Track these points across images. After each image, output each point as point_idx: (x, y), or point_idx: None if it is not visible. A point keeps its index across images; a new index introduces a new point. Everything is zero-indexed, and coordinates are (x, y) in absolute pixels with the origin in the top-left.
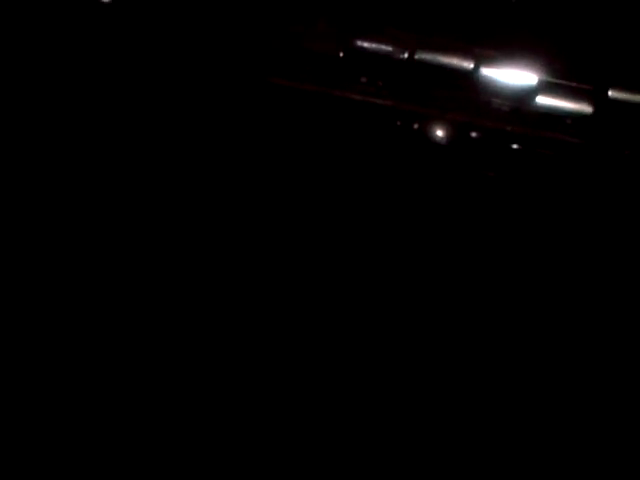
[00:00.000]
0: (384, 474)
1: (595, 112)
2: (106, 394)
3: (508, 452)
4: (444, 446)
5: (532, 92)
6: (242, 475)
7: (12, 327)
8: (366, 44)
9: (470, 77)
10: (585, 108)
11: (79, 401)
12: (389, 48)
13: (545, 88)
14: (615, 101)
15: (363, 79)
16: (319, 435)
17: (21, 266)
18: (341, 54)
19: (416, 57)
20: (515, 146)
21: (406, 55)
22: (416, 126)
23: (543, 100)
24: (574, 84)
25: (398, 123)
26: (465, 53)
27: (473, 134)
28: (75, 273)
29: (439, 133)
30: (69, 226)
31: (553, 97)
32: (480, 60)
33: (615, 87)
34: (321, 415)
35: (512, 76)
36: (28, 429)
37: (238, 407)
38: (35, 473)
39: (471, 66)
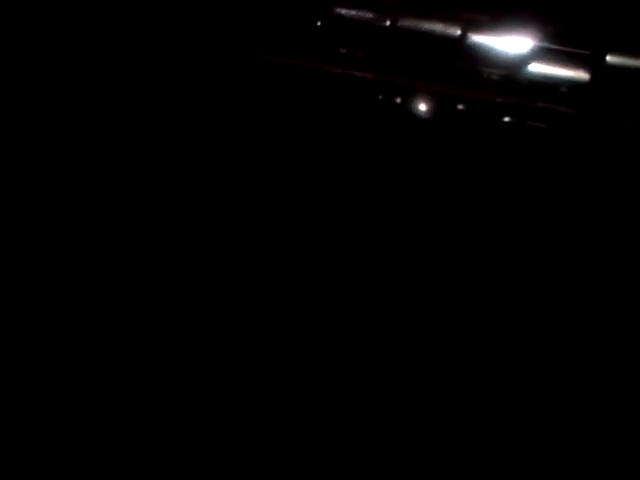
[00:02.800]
0: (384, 474)
1: (592, 79)
2: (106, 394)
3: (508, 452)
4: (444, 446)
5: (524, 59)
6: (242, 475)
7: (12, 327)
8: (345, 11)
9: (457, 44)
10: (581, 75)
11: (79, 401)
12: (370, 15)
13: (538, 54)
14: (613, 67)
15: (342, 50)
16: (319, 435)
17: (21, 266)
18: (319, 23)
19: (399, 24)
20: (506, 119)
21: (388, 22)
22: (399, 100)
23: (536, 68)
24: (570, 49)
25: (380, 97)
26: (451, 19)
27: (460, 106)
28: (75, 273)
29: (424, 106)
30: (69, 226)
31: (547, 64)
32: (468, 26)
33: (613, 52)
34: (321, 415)
35: (502, 42)
36: (28, 429)
37: (238, 407)
38: (35, 473)
39: (458, 32)
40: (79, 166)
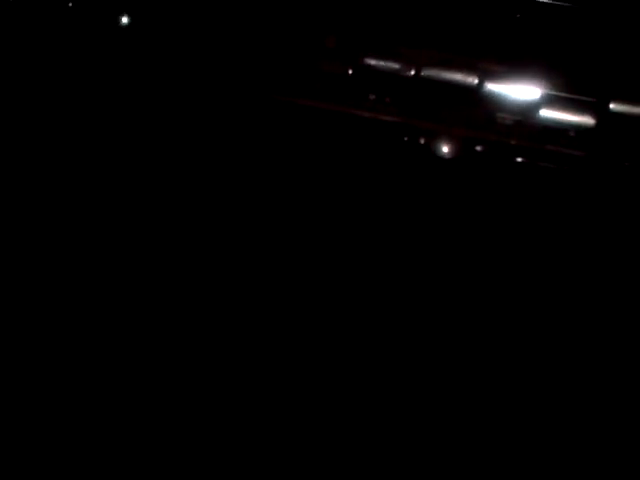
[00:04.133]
0: (384, 474)
1: (597, 124)
2: (106, 394)
3: (508, 452)
4: (444, 446)
5: (536, 105)
6: (242, 475)
7: (12, 327)
8: (374, 62)
9: (475, 92)
10: (588, 121)
11: (79, 401)
12: (396, 65)
13: (548, 101)
14: (616, 114)
15: (372, 96)
16: (319, 435)
17: (21, 266)
18: (350, 72)
19: (422, 74)
20: (519, 159)
21: (413, 72)
22: (422, 141)
23: (546, 113)
24: (577, 97)
25: (405, 139)
26: (470, 68)
27: (478, 148)
28: (75, 273)
29: (445, 148)
30: (68, 231)
31: (556, 110)
32: (484, 75)
33: (616, 100)
34: (321, 415)
35: (516, 90)
36: (28, 429)
37: (238, 407)
38: (35, 473)
39: (475, 81)
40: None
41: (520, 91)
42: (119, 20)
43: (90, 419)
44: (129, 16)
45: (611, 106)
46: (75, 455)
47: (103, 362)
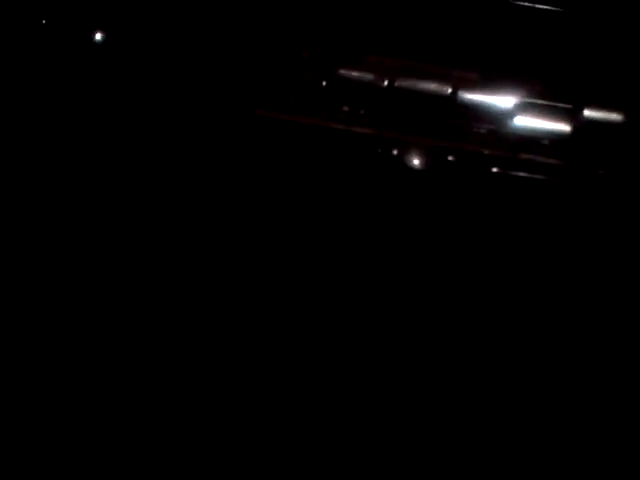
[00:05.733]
0: (384, 474)
1: (573, 132)
2: (106, 394)
3: (508, 452)
4: (444, 446)
5: (510, 113)
6: (242, 475)
7: (12, 327)
8: (348, 72)
9: (449, 101)
10: (563, 127)
11: (79, 401)
12: (370, 76)
13: (523, 109)
14: (591, 121)
15: (345, 108)
16: (319, 435)
17: (21, 266)
18: (324, 83)
19: (396, 84)
20: (494, 169)
21: (386, 82)
22: (395, 152)
23: (521, 121)
24: (552, 103)
25: (379, 150)
26: (443, 78)
27: (451, 158)
28: (75, 273)
29: (418, 159)
30: (68, 233)
31: (531, 117)
32: (458, 84)
33: (590, 105)
34: (321, 415)
35: (490, 98)
36: (28, 429)
37: (238, 407)
38: (35, 473)
39: (449, 91)
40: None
41: (494, 99)
42: (93, 36)
43: (90, 419)
44: (103, 32)
45: (586, 113)
46: (75, 455)
47: (103, 362)
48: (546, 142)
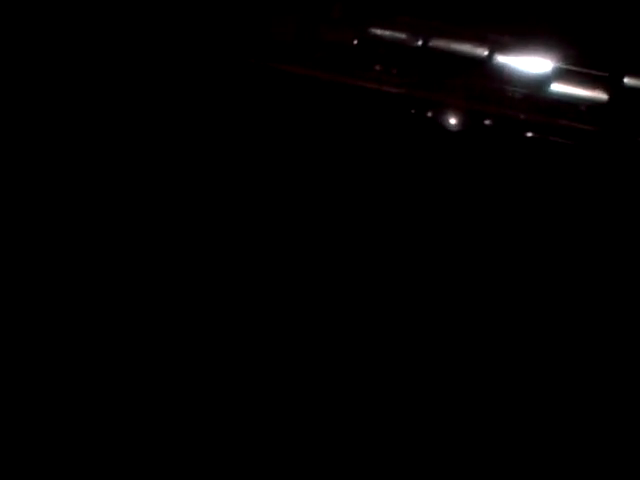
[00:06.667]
0: (384, 474)
1: (610, 99)
2: (106, 394)
3: (508, 452)
4: (444, 446)
5: (546, 79)
6: (242, 475)
7: (12, 327)
8: (380, 32)
9: (484, 64)
10: (600, 95)
11: (79, 401)
12: (403, 36)
13: (560, 75)
14: (630, 88)
15: (377, 67)
16: (319, 435)
17: (21, 266)
18: (355, 42)
19: (430, 44)
20: (529, 134)
21: (420, 42)
22: (429, 114)
23: (558, 87)
24: (589, 71)
25: (412, 111)
26: (479, 40)
27: (486, 122)
28: (75, 273)
29: (452, 121)
30: (68, 228)
31: (568, 84)
32: (494, 47)
33: (631, 74)
34: (321, 415)
35: (526, 63)
36: (28, 429)
37: (238, 407)
38: (35, 473)
39: (485, 53)
40: (78, 167)
41: (531, 64)
42: None
43: (90, 419)
44: None
45: (625, 80)
46: (75, 455)
47: (103, 362)
48: (583, 108)
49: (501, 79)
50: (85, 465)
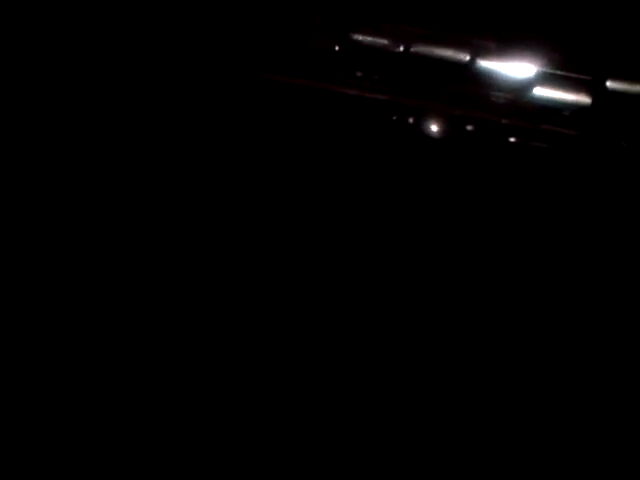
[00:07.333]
0: (384, 474)
1: (593, 103)
2: (106, 394)
3: (508, 452)
4: (444, 446)
5: (529, 84)
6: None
7: (12, 327)
8: (362, 38)
9: (466, 69)
10: (583, 99)
11: (79, 401)
12: (385, 41)
13: (542, 80)
14: (614, 92)
15: (359, 73)
16: (319, 435)
17: (21, 266)
18: (337, 48)
19: (412, 50)
20: (512, 139)
21: (402, 48)
22: (412, 120)
23: (540, 92)
24: (572, 75)
25: (394, 117)
26: (461, 45)
27: (469, 127)
28: (75, 273)
29: (435, 127)
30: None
31: (550, 89)
32: (476, 52)
33: (614, 78)
34: (321, 415)
35: (509, 68)
36: (28, 429)
37: (238, 407)
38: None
39: (467, 58)
40: (79, 169)
41: (513, 68)
42: None
43: (90, 419)
44: None
45: (608, 84)
46: (75, 455)
47: (103, 362)
48: (566, 113)
49: (483, 84)
50: (85, 465)
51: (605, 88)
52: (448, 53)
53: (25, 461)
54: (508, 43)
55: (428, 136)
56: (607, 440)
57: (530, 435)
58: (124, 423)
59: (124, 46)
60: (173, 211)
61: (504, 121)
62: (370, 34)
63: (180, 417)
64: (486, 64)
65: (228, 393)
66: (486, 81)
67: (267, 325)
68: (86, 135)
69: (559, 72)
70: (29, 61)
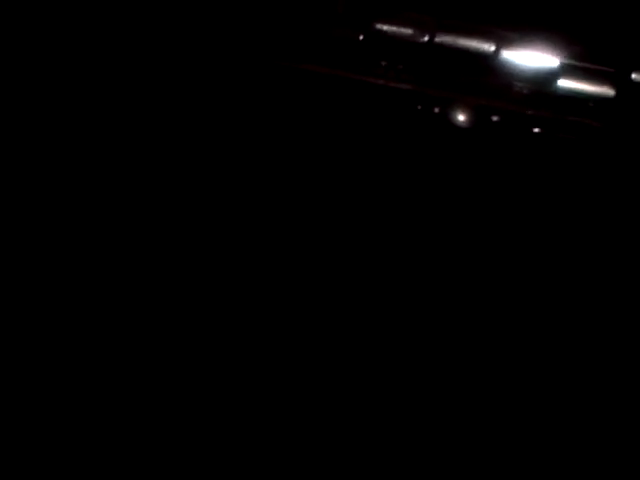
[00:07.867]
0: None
1: (617, 95)
2: (106, 394)
3: (508, 452)
4: (444, 446)
5: (553, 75)
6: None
7: (12, 327)
8: (386, 27)
9: (491, 60)
10: (607, 91)
11: (79, 401)
12: (409, 31)
13: (566, 71)
14: (638, 84)
15: (383, 63)
16: (319, 435)
17: (21, 266)
18: (361, 38)
19: (436, 40)
20: (536, 130)
21: (426, 38)
22: (437, 110)
23: (564, 83)
24: (596, 67)
25: (418, 107)
26: (486, 35)
27: (494, 118)
28: (75, 273)
29: (460, 117)
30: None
31: (575, 80)
32: (501, 42)
33: (638, 70)
34: (321, 415)
35: (533, 59)
36: (28, 429)
37: (238, 407)
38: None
39: (492, 49)
40: (82, 166)
41: (538, 60)
42: None
43: (90, 419)
44: None
45: (633, 76)
46: (75, 455)
47: (103, 362)
48: (590, 104)
49: (508, 75)
50: (85, 465)
51: (630, 80)
52: (472, 43)
53: (25, 461)
54: (532, 34)
55: (453, 126)
56: (607, 440)
57: (530, 435)
58: (124, 423)
59: (144, 35)
60: (189, 198)
61: (529, 112)
62: (394, 24)
63: (180, 417)
64: (510, 55)
65: (228, 393)
66: (511, 72)
67: (268, 323)
68: (96, 124)
69: (583, 64)
70: (28, 53)
